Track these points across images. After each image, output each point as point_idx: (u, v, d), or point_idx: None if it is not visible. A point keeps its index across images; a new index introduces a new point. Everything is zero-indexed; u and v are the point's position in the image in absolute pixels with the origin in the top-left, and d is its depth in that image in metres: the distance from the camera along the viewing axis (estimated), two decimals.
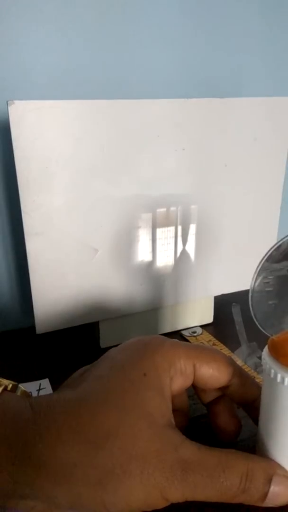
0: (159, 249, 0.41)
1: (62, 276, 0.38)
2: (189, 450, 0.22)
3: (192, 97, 0.38)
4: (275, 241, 0.29)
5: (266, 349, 0.23)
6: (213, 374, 0.26)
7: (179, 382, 0.25)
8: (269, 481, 0.22)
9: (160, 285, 0.42)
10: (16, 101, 0.32)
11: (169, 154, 0.39)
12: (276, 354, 0.22)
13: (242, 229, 0.45)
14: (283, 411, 0.22)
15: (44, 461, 0.20)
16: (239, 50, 0.51)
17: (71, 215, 0.36)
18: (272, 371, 0.22)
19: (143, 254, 0.40)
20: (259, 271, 0.25)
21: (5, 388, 0.23)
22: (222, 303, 0.46)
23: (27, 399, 0.23)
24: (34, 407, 0.22)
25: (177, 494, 0.21)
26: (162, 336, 0.27)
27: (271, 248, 0.27)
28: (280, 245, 0.26)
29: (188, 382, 0.26)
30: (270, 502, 0.22)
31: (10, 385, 0.24)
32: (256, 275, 0.25)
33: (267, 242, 0.32)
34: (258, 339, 0.39)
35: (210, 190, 0.42)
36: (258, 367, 0.38)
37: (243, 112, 0.40)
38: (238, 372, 0.27)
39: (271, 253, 0.27)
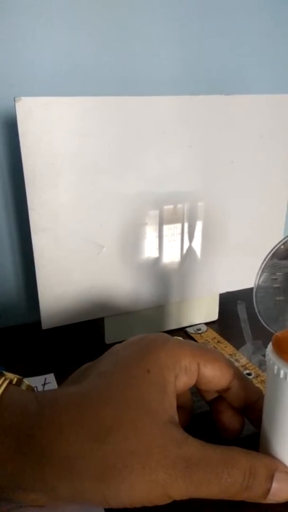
0: (165, 246, 0.41)
1: (68, 272, 0.38)
2: (193, 446, 0.22)
3: (196, 94, 0.38)
4: (281, 239, 0.29)
5: (270, 345, 0.23)
6: (216, 374, 0.26)
7: (183, 380, 0.25)
8: (271, 478, 0.22)
9: (165, 282, 0.42)
10: (23, 98, 0.32)
11: (175, 151, 0.39)
12: (280, 350, 0.22)
13: (248, 227, 0.44)
14: (286, 406, 0.22)
15: (47, 454, 0.21)
16: (243, 47, 0.51)
17: (77, 211, 0.37)
18: (276, 367, 0.22)
19: (149, 251, 0.40)
20: (263, 267, 0.26)
21: (10, 382, 0.24)
22: (228, 301, 0.46)
23: (32, 393, 0.24)
24: (39, 401, 0.22)
25: (180, 491, 0.21)
26: (167, 334, 0.27)
27: (276, 245, 0.27)
28: (285, 242, 0.26)
29: (192, 381, 0.26)
30: (272, 498, 0.22)
31: (15, 379, 0.25)
32: (260, 271, 0.25)
33: (273, 240, 0.31)
34: (263, 337, 0.39)
35: (216, 187, 0.41)
36: (262, 365, 0.38)
37: (249, 109, 0.40)
38: (238, 374, 0.27)
39: (277, 250, 0.27)
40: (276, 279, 0.28)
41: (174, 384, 0.24)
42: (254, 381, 0.36)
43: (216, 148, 0.40)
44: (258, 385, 0.36)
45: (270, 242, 0.33)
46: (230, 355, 0.40)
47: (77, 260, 0.38)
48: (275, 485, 0.22)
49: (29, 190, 0.35)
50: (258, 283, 0.26)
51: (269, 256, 0.26)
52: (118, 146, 0.36)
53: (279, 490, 0.22)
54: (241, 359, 0.39)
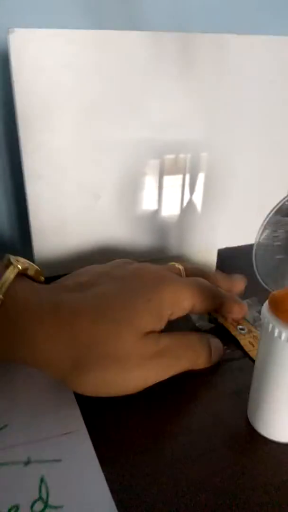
0: (165, 198, 0.40)
1: (64, 222, 0.37)
2: (165, 340, 0.27)
3: (205, 32, 0.35)
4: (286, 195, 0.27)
5: (266, 303, 0.23)
6: (206, 309, 0.31)
7: (176, 315, 0.29)
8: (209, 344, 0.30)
9: (164, 235, 0.42)
10: (17, 29, 0.30)
11: (180, 95, 0.36)
12: (276, 309, 0.22)
13: (252, 180, 0.43)
14: (278, 365, 0.22)
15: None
16: None
17: (73, 157, 0.35)
18: (270, 325, 0.22)
19: (148, 202, 0.39)
20: (266, 224, 0.25)
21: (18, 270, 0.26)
22: (225, 257, 0.45)
23: (37, 289, 0.27)
24: (44, 302, 0.25)
25: (156, 376, 0.26)
26: (174, 274, 0.30)
27: (280, 201, 0.26)
28: None
29: (183, 314, 0.30)
30: (214, 358, 0.30)
31: (23, 266, 0.27)
32: (262, 228, 0.25)
33: (278, 196, 0.30)
34: (260, 294, 0.38)
35: (221, 137, 0.39)
36: (256, 321, 0.38)
37: (259, 51, 0.37)
38: (225, 297, 0.33)
39: (281, 206, 0.26)
40: (277, 236, 0.27)
41: (167, 318, 0.28)
42: (247, 336, 0.36)
43: (223, 95, 0.38)
44: (251, 340, 0.36)
45: (274, 197, 0.31)
46: None
47: (73, 209, 0.37)
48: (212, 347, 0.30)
49: (22, 132, 0.33)
50: (259, 240, 0.25)
51: (272, 212, 0.25)
52: (117, 86, 0.34)
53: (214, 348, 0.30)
54: None
